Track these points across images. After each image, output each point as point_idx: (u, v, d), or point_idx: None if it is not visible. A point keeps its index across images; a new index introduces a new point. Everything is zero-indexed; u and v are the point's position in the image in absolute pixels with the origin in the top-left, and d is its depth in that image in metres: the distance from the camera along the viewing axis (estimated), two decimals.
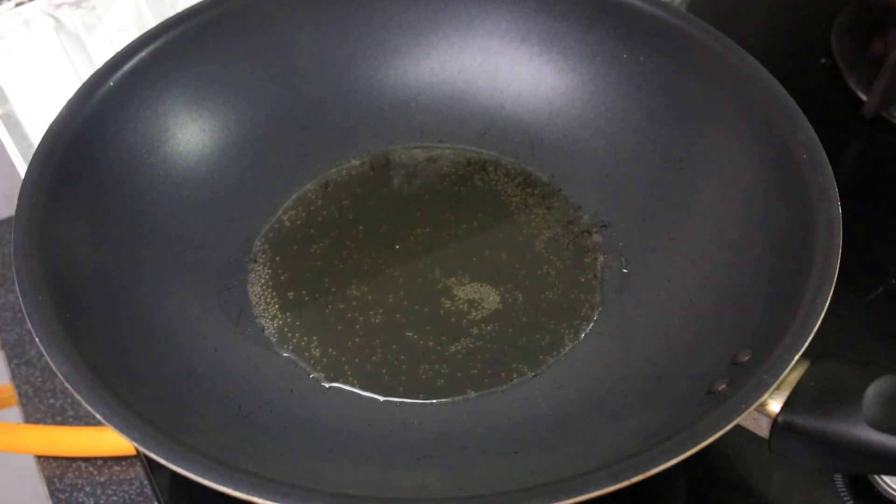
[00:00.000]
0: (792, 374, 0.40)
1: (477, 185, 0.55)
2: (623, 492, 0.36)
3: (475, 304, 0.50)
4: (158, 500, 0.49)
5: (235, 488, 0.36)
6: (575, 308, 0.50)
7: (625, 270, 0.51)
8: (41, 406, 0.54)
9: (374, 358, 0.48)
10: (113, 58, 0.51)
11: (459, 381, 0.47)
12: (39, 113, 0.56)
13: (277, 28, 0.55)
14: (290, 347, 0.48)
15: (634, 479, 0.36)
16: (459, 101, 0.57)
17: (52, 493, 0.51)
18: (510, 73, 0.56)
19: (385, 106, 0.57)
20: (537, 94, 0.56)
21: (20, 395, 0.55)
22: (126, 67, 0.50)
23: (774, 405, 0.40)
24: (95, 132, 0.49)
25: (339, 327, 0.49)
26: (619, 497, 0.36)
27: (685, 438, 0.37)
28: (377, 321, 0.49)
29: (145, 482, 0.51)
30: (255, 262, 0.52)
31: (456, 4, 0.56)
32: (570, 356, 0.48)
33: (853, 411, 0.38)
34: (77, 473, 0.51)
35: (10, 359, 0.56)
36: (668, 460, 0.37)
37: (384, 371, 0.48)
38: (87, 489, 0.51)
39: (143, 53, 0.51)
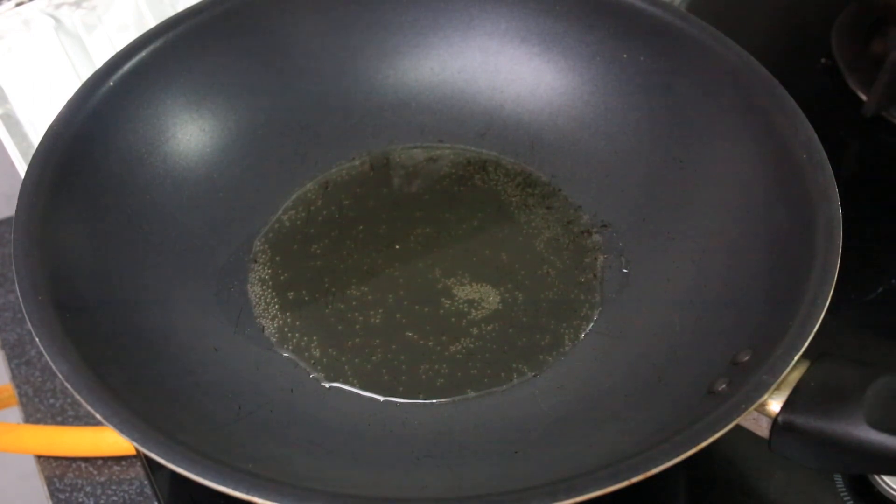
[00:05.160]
0: (792, 374, 0.40)
1: (477, 185, 0.55)
2: (623, 492, 0.36)
3: (475, 304, 0.50)
4: (158, 500, 0.49)
5: (235, 488, 0.36)
6: (575, 308, 0.50)
7: (625, 270, 0.51)
8: (41, 406, 0.54)
9: (374, 358, 0.48)
10: (113, 58, 0.51)
11: (459, 381, 0.47)
12: (39, 113, 0.56)
13: (277, 28, 0.55)
14: (290, 347, 0.48)
15: (634, 479, 0.36)
16: (459, 101, 0.57)
17: (52, 493, 0.51)
18: (510, 73, 0.56)
19: (385, 106, 0.57)
20: (537, 94, 0.56)
21: (20, 395, 0.55)
22: (126, 67, 0.50)
23: (774, 405, 0.40)
24: (95, 132, 0.49)
25: (339, 327, 0.49)
26: (619, 497, 0.36)
27: (685, 438, 0.37)
28: (377, 321, 0.49)
29: (145, 482, 0.51)
30: (255, 262, 0.52)
31: (456, 4, 0.56)
32: (570, 356, 0.48)
33: (853, 411, 0.38)
34: (77, 473, 0.51)
35: (10, 359, 0.56)
36: (668, 460, 0.37)
37: (384, 371, 0.48)
38: (87, 489, 0.51)
39: (143, 53, 0.51)
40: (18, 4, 0.57)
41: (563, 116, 0.55)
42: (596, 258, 0.52)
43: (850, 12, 0.67)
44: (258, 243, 0.52)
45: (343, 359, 0.48)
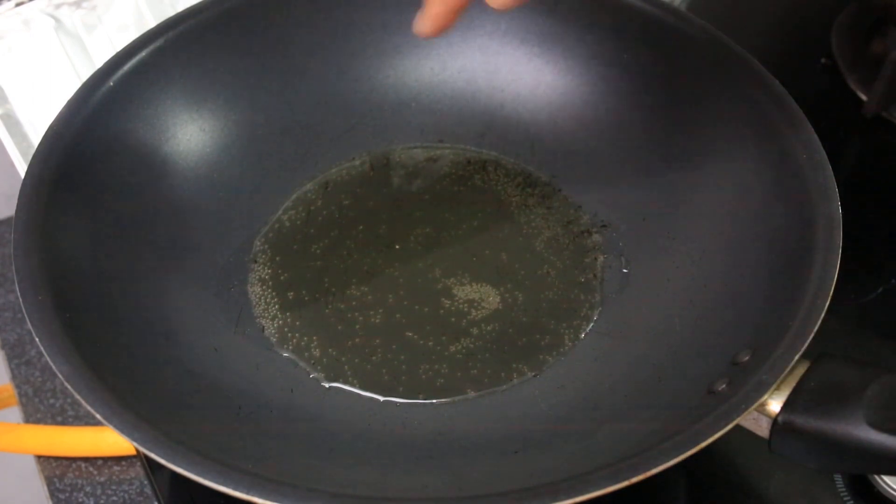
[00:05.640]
0: (792, 374, 0.40)
1: (477, 185, 0.55)
2: (623, 492, 0.36)
3: (475, 304, 0.50)
4: (158, 500, 0.49)
5: (235, 488, 0.36)
6: (575, 308, 0.50)
7: (625, 270, 0.51)
8: (41, 406, 0.54)
9: (374, 358, 0.48)
10: (113, 58, 0.51)
11: (459, 381, 0.47)
12: (39, 113, 0.56)
13: (277, 28, 0.55)
14: (290, 347, 0.48)
15: (634, 479, 0.36)
16: (459, 101, 0.57)
17: (52, 493, 0.51)
18: (510, 73, 0.56)
19: (385, 106, 0.57)
20: (537, 94, 0.56)
21: (20, 395, 0.55)
22: (126, 67, 0.50)
23: (774, 405, 0.40)
24: (95, 132, 0.49)
25: (339, 327, 0.49)
26: (619, 497, 0.36)
27: (685, 438, 0.37)
28: (377, 321, 0.49)
29: (145, 482, 0.51)
30: (255, 262, 0.52)
31: None
32: (570, 356, 0.48)
33: (853, 411, 0.38)
34: (77, 473, 0.51)
35: (10, 359, 0.56)
36: (668, 460, 0.37)
37: (384, 371, 0.48)
38: (87, 489, 0.51)
39: (143, 53, 0.51)
40: (18, 4, 0.57)
41: (563, 116, 0.55)
42: (596, 258, 0.52)
43: (850, 12, 0.67)
44: (258, 243, 0.52)
45: (343, 359, 0.48)
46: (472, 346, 0.48)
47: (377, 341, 0.49)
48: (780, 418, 0.39)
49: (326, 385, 0.47)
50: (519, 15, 0.56)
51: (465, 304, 0.50)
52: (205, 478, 0.37)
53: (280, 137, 0.55)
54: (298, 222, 0.53)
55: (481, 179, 0.55)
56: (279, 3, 0.55)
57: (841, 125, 0.62)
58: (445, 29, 0.43)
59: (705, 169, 0.51)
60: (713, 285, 0.47)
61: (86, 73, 0.53)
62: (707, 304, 0.47)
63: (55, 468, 0.52)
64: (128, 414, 0.38)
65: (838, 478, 0.47)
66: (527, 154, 0.56)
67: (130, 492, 0.51)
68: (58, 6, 0.58)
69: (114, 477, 0.51)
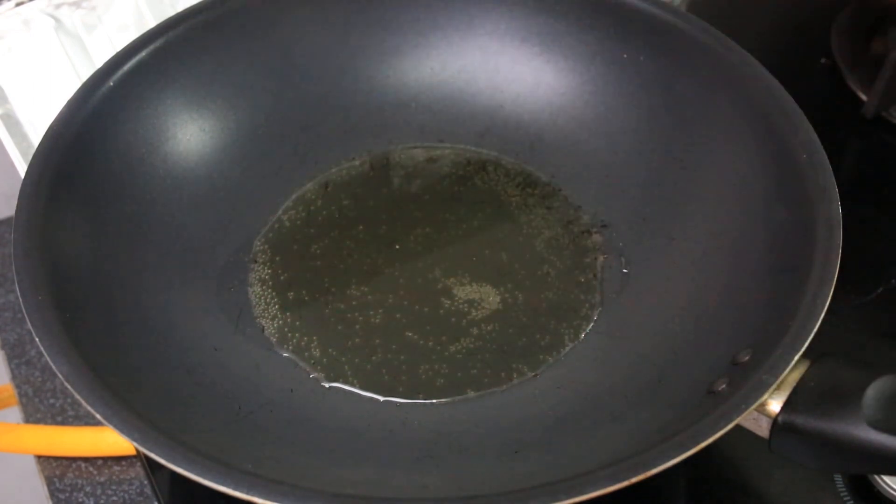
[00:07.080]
0: (792, 374, 0.40)
1: (477, 185, 0.55)
2: (623, 492, 0.36)
3: (475, 304, 0.50)
4: (158, 500, 0.49)
5: (235, 488, 0.36)
6: (575, 308, 0.50)
7: (625, 270, 0.51)
8: (41, 406, 0.54)
9: (374, 358, 0.48)
10: (113, 58, 0.51)
11: (459, 381, 0.47)
12: (39, 113, 0.56)
13: (277, 28, 0.55)
14: (290, 347, 0.48)
15: (634, 479, 0.36)
16: (459, 101, 0.57)
17: (52, 493, 0.51)
18: (510, 73, 0.56)
19: (385, 106, 0.57)
20: (537, 94, 0.56)
21: (20, 395, 0.55)
22: (126, 67, 0.50)
23: (774, 405, 0.40)
24: (95, 132, 0.49)
25: (339, 327, 0.49)
26: (619, 497, 0.36)
27: (685, 438, 0.37)
28: (377, 321, 0.49)
29: (145, 482, 0.51)
30: (255, 262, 0.52)
31: (456, 4, 0.56)
32: (570, 356, 0.48)
33: (853, 411, 0.38)
34: (77, 473, 0.51)
35: (10, 359, 0.56)
36: (668, 460, 0.37)
37: (384, 371, 0.48)
38: (87, 489, 0.51)
39: (143, 53, 0.51)
40: (18, 4, 0.57)
41: (563, 116, 0.55)
42: (596, 258, 0.52)
43: (850, 12, 0.67)
44: (258, 243, 0.52)
45: (343, 359, 0.48)
46: (472, 346, 0.48)
47: (377, 341, 0.49)
48: (780, 418, 0.39)
49: (326, 385, 0.47)
50: (519, 15, 0.56)
51: (465, 304, 0.50)
52: (205, 478, 0.37)
53: (280, 137, 0.55)
54: (298, 222, 0.53)
55: (481, 179, 0.55)
56: (279, 4, 0.55)
57: (841, 125, 0.62)
58: None
59: (705, 169, 0.51)
60: (713, 285, 0.47)
61: (86, 73, 0.53)
62: (707, 304, 0.47)
63: (55, 468, 0.52)
64: (128, 414, 0.38)
65: (838, 478, 0.47)
66: (527, 154, 0.56)
67: (130, 492, 0.51)
68: (58, 6, 0.58)
69: (114, 477, 0.51)
